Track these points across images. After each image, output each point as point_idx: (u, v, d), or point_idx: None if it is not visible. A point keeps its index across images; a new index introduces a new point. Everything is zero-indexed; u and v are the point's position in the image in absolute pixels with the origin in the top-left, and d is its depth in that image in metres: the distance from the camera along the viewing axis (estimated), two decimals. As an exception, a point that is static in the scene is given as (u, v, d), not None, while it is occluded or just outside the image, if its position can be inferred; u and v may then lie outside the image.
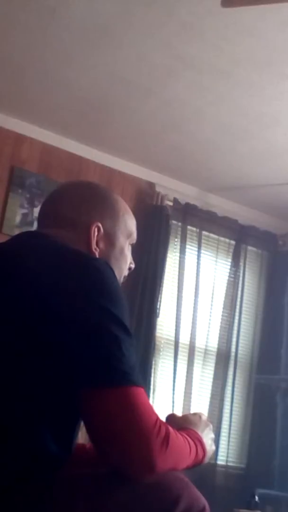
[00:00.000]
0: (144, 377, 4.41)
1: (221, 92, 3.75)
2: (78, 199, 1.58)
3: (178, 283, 4.83)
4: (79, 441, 1.48)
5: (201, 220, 4.99)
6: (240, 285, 5.10)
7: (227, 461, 4.84)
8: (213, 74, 3.58)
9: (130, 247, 1.64)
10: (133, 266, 1.65)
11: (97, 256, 1.51)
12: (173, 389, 4.65)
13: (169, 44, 3.39)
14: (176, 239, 4.91)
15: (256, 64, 3.46)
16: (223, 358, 4.92)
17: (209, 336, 4.92)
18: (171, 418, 1.49)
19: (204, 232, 5.03)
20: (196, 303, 4.86)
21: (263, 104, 3.81)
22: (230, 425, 4.87)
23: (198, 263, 4.93)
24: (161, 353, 4.78)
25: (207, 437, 1.46)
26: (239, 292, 5.09)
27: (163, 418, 1.30)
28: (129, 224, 1.62)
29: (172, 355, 4.71)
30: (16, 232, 4.08)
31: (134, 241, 1.65)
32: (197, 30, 3.25)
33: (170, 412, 1.52)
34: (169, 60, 3.52)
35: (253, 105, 3.84)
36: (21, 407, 1.25)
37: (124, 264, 1.61)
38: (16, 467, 1.24)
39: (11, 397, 1.24)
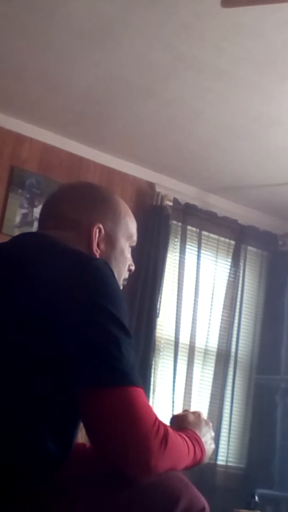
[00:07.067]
0: (144, 377, 4.41)
1: (221, 92, 3.76)
2: (79, 200, 1.58)
3: (178, 283, 4.83)
4: (79, 441, 1.48)
5: (201, 220, 4.99)
6: (240, 285, 5.10)
7: (227, 461, 4.84)
8: (213, 74, 3.58)
9: (130, 249, 1.64)
10: (133, 268, 1.65)
11: (98, 257, 1.51)
12: (173, 389, 4.65)
13: (169, 44, 3.39)
14: (176, 239, 4.91)
15: (256, 64, 3.46)
16: (223, 358, 4.93)
17: (209, 336, 4.92)
18: (173, 419, 1.49)
19: (204, 232, 5.03)
20: (196, 303, 4.86)
21: (263, 104, 3.81)
22: (230, 425, 4.87)
23: (198, 263, 4.93)
24: (161, 353, 4.78)
25: (206, 436, 1.47)
26: (239, 292, 5.09)
27: (163, 418, 1.30)
28: (130, 226, 1.62)
29: (172, 355, 4.72)
30: (16, 232, 4.09)
31: (135, 243, 1.65)
32: (197, 30, 3.25)
33: (173, 414, 1.53)
34: (169, 60, 3.52)
35: (253, 105, 3.84)
36: (21, 407, 1.25)
37: (124, 266, 1.61)
38: (15, 467, 1.24)
39: (11, 397, 1.25)
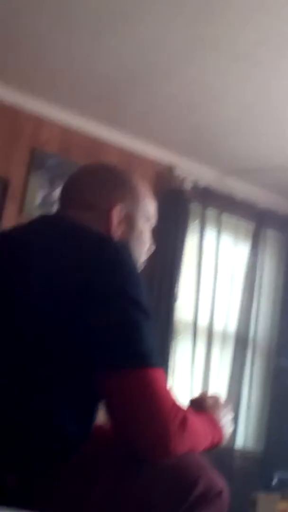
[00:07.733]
0: (162, 360, 4.41)
1: (242, 73, 3.72)
2: (98, 182, 1.58)
3: (197, 266, 4.82)
4: (99, 422, 1.49)
5: (220, 203, 4.96)
6: (259, 268, 5.08)
7: (245, 445, 4.85)
8: (233, 55, 3.55)
9: (149, 231, 1.63)
10: (152, 249, 1.65)
11: (117, 238, 1.51)
12: (192, 372, 4.65)
13: (189, 25, 3.35)
14: (195, 222, 4.89)
15: (277, 44, 3.42)
16: (241, 341, 4.92)
17: (228, 320, 4.91)
18: (191, 402, 1.49)
19: (223, 215, 5.00)
20: (215, 286, 4.85)
21: (283, 85, 3.77)
22: (248, 409, 4.87)
23: (217, 247, 4.91)
24: (179, 336, 4.78)
25: (225, 418, 1.46)
26: (258, 276, 5.07)
27: (181, 401, 1.30)
28: (149, 207, 1.61)
29: (191, 338, 4.72)
30: (37, 213, 4.08)
31: (154, 224, 1.64)
32: (216, 11, 3.21)
33: (191, 397, 1.52)
34: (188, 41, 3.49)
35: (274, 86, 3.80)
36: (42, 389, 1.25)
37: (144, 247, 1.60)
38: (36, 448, 1.25)
39: (32, 379, 1.25)
